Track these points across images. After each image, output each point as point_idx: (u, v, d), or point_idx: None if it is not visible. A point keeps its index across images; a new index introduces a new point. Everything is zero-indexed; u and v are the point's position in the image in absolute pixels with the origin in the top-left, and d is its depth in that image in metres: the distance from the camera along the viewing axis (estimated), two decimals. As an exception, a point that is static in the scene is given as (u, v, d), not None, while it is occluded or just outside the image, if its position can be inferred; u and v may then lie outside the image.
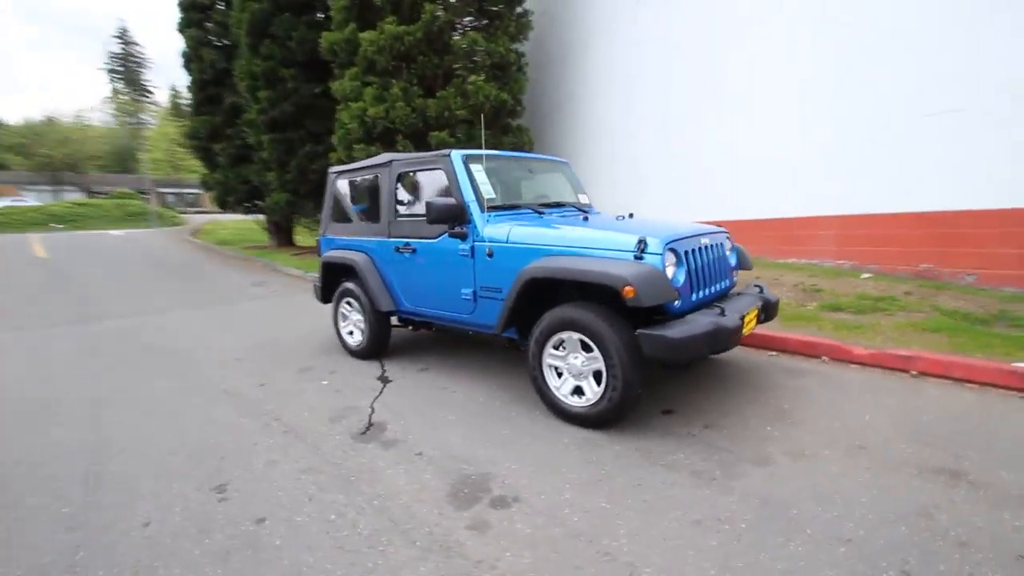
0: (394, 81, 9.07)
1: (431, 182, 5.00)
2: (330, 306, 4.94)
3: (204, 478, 2.64)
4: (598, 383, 2.96)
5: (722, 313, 2.97)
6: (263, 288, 8.85)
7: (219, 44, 14.69)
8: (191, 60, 14.82)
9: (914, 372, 3.75)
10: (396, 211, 4.22)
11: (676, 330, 2.71)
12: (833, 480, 2.42)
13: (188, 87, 15.82)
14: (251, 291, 8.60)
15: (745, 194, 7.58)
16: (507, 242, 3.44)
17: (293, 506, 2.36)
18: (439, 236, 3.85)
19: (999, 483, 2.35)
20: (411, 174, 4.17)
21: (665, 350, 2.67)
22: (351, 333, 4.74)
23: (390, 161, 4.24)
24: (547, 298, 3.28)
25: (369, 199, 4.56)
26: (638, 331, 2.75)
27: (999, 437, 2.79)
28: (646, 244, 2.90)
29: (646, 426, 3.03)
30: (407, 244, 4.09)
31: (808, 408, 3.24)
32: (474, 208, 3.61)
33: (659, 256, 2.89)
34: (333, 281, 4.91)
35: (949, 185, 5.65)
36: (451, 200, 3.58)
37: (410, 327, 4.68)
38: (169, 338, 5.57)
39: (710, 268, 3.33)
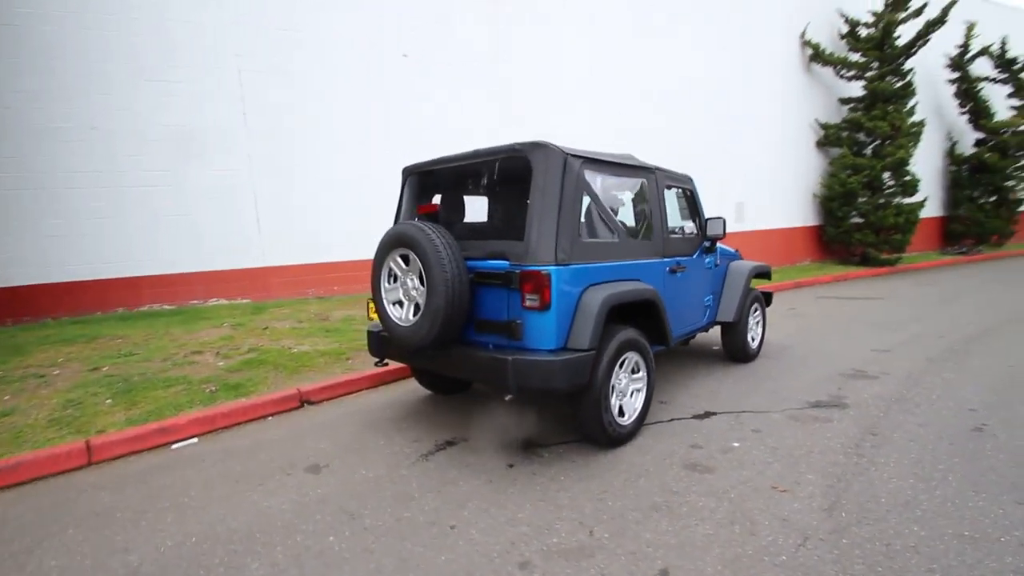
0: None
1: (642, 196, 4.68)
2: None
3: None
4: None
5: None
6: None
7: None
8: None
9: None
10: (667, 226, 3.78)
11: None
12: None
13: None
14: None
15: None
16: (723, 252, 4.69)
17: None
18: (696, 252, 4.10)
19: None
20: (669, 188, 4.00)
21: None
22: (620, 413, 3.15)
23: (655, 169, 3.76)
24: None
25: (638, 209, 3.72)
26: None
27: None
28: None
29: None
30: (679, 263, 3.82)
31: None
32: None
33: None
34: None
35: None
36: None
37: None
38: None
39: None
